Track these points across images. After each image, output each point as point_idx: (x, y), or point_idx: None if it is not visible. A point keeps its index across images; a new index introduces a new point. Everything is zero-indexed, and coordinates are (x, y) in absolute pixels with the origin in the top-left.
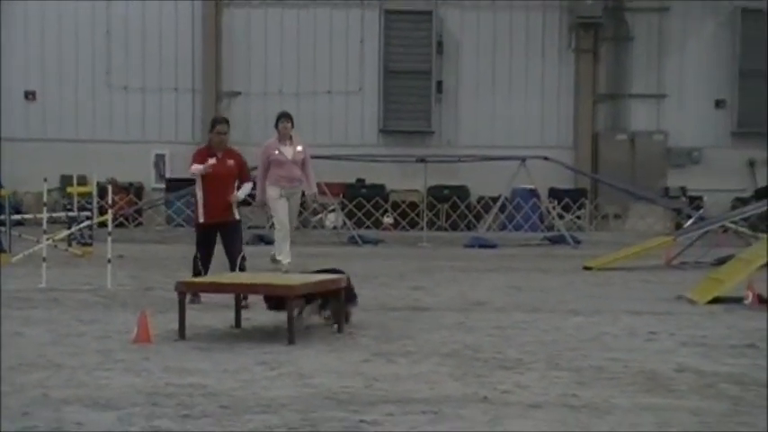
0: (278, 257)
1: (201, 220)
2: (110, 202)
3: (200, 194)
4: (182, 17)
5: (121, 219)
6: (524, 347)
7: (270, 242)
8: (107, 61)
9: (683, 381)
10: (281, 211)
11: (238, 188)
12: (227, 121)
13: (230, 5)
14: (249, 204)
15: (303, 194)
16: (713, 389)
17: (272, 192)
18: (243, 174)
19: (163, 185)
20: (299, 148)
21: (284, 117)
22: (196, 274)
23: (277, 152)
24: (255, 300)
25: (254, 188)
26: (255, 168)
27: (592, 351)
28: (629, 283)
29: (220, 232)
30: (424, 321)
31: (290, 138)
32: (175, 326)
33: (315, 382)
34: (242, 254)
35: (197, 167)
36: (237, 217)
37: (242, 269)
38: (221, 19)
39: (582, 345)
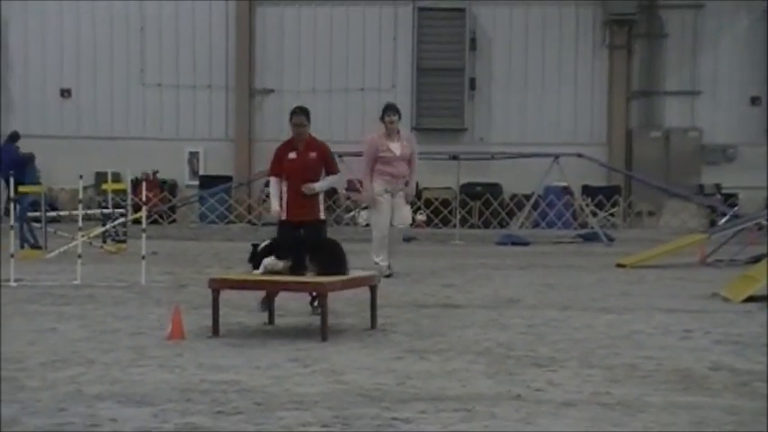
0: (375, 259)
1: (284, 217)
2: (143, 199)
3: (284, 190)
4: (215, 14)
5: (155, 216)
6: (557, 345)
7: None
8: (141, 59)
9: (717, 379)
10: (384, 212)
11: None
12: (303, 111)
13: (263, 3)
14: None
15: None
16: (747, 387)
17: (377, 189)
18: (329, 166)
19: (196, 182)
20: (406, 142)
21: (390, 110)
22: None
23: (385, 148)
24: (288, 297)
25: (360, 184)
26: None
27: (625, 349)
28: (663, 281)
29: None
30: (456, 319)
31: (398, 132)
32: (209, 322)
33: (347, 378)
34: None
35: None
36: (322, 216)
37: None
38: (254, 16)
39: (615, 342)
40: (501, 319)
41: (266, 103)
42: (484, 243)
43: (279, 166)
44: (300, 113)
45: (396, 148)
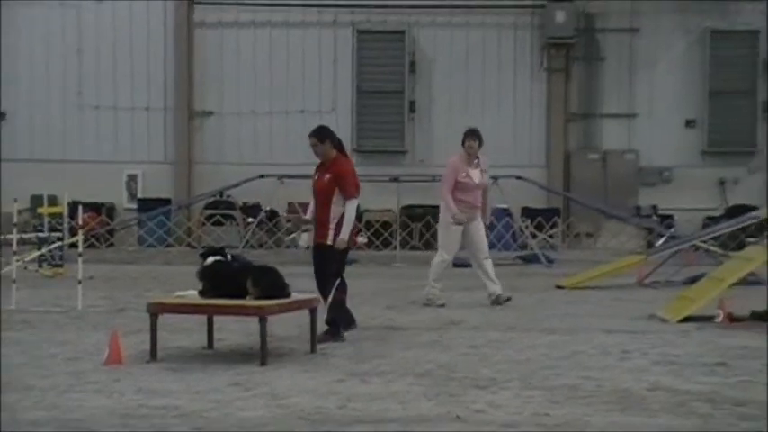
0: (432, 283)
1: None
2: (79, 222)
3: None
4: (153, 36)
5: (92, 240)
6: (498, 366)
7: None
8: (78, 81)
9: (655, 399)
10: (453, 237)
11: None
12: (315, 133)
13: (203, 25)
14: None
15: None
16: (685, 407)
17: (450, 216)
18: (342, 188)
19: (135, 206)
20: (484, 170)
21: (471, 135)
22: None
23: (464, 175)
24: (226, 320)
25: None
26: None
27: (565, 370)
28: (602, 302)
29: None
30: (398, 341)
31: (477, 158)
32: (147, 347)
33: (288, 402)
34: (337, 284)
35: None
36: (328, 241)
37: (332, 303)
38: (193, 38)
39: (555, 363)
40: (443, 340)
41: (206, 126)
42: (425, 265)
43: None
44: (312, 134)
45: (476, 176)
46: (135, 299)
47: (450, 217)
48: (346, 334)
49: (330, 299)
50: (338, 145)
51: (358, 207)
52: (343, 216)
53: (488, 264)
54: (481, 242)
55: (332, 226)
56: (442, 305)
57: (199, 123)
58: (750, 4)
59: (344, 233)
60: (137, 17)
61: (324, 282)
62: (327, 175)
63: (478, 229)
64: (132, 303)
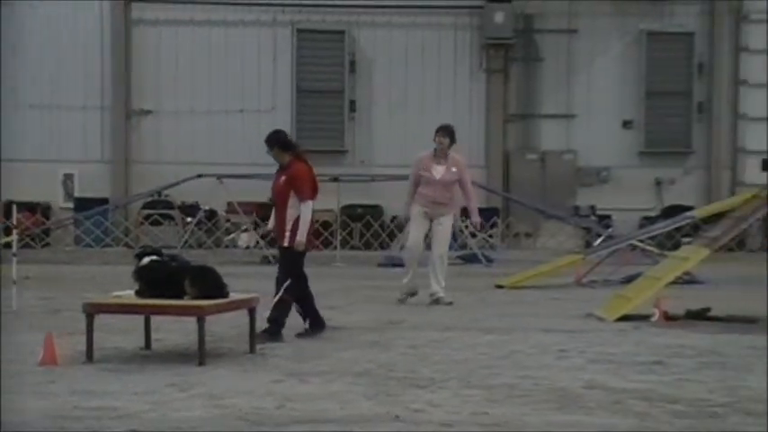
0: (404, 280)
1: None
2: (14, 222)
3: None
4: (90, 35)
5: (28, 239)
6: (437, 366)
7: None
8: (14, 79)
9: (591, 397)
10: (415, 231)
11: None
12: (266, 138)
13: (140, 23)
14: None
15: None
16: (621, 405)
17: (414, 209)
18: (297, 191)
19: (72, 205)
20: (454, 168)
21: (441, 131)
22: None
23: (425, 169)
24: (164, 320)
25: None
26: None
27: (504, 369)
28: (541, 301)
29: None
30: (337, 341)
31: (446, 155)
32: (84, 348)
33: (226, 402)
34: (286, 285)
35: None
36: (285, 243)
37: (277, 303)
38: (131, 36)
39: (494, 363)
40: (382, 340)
41: (144, 125)
42: (365, 265)
43: None
44: (264, 140)
45: (438, 171)
46: (71, 299)
47: (412, 210)
48: (307, 337)
49: (276, 298)
50: (291, 148)
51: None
52: (299, 218)
53: (439, 263)
54: (439, 239)
55: (288, 228)
56: (411, 294)
57: (136, 122)
58: (684, 6)
59: (301, 234)
60: (73, 15)
61: (278, 282)
62: (283, 178)
63: (441, 225)
64: (68, 304)
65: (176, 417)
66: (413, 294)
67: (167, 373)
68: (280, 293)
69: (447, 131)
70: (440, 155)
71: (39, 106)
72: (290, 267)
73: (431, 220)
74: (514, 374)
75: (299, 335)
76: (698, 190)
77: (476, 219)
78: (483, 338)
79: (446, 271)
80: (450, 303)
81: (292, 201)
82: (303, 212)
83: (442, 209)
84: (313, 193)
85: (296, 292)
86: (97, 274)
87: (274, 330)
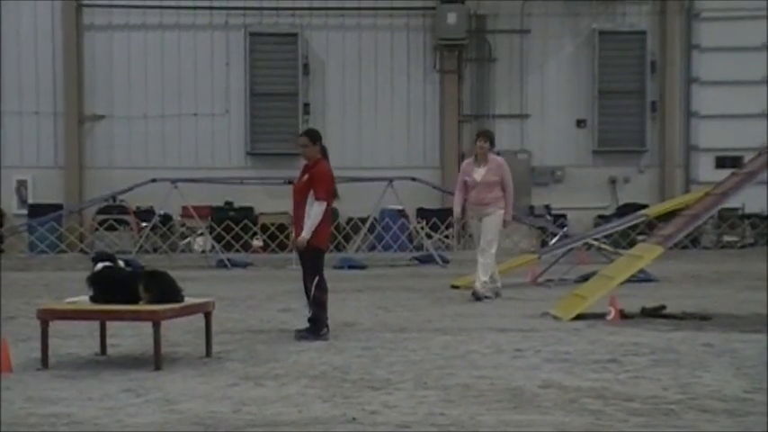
0: (481, 277)
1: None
2: None
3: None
4: (41, 38)
5: None
6: (392, 367)
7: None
8: None
9: (547, 397)
10: (475, 236)
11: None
12: (307, 133)
13: (92, 28)
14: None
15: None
16: (576, 404)
17: (468, 215)
18: (314, 189)
19: (25, 211)
20: (495, 170)
21: (481, 136)
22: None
23: (467, 174)
24: (120, 325)
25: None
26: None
27: (459, 369)
28: (496, 301)
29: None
30: (292, 344)
31: (486, 159)
32: (38, 354)
33: (181, 407)
34: (315, 283)
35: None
36: (299, 239)
37: (313, 302)
38: (82, 41)
39: (449, 363)
40: (337, 342)
41: (97, 130)
42: None
43: None
44: (303, 134)
45: (478, 174)
46: (25, 306)
47: (458, 214)
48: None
49: (311, 297)
50: (323, 150)
51: (335, 211)
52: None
53: (481, 258)
54: (484, 234)
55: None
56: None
57: (89, 127)
58: (637, 5)
59: (306, 231)
60: (24, 19)
61: (305, 281)
62: (306, 176)
63: (486, 223)
64: (22, 310)
65: (132, 422)
66: (498, 295)
67: (123, 379)
68: (312, 293)
69: (486, 136)
70: (481, 159)
71: None
72: (312, 265)
73: (479, 221)
74: (470, 375)
75: (299, 332)
76: (652, 188)
77: (509, 217)
78: (438, 339)
79: (491, 266)
80: (488, 298)
81: (311, 199)
82: (314, 210)
83: (487, 208)
84: (328, 195)
85: (324, 288)
86: (51, 280)
87: (314, 329)
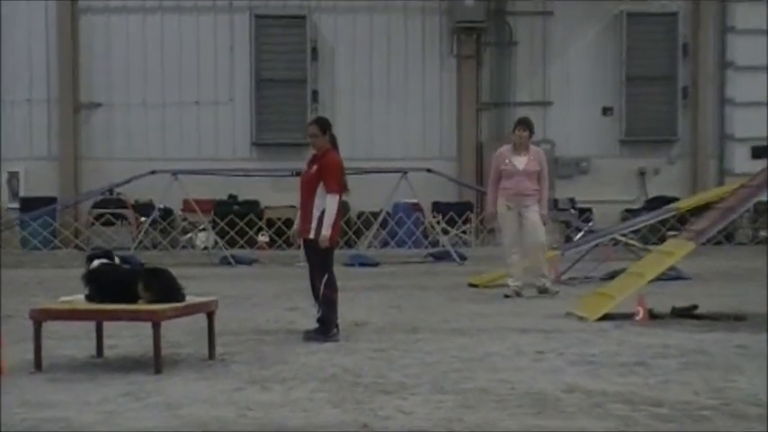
0: (508, 281)
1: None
2: None
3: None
4: (34, 22)
5: None
6: (407, 370)
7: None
8: None
9: (571, 401)
10: (507, 228)
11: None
12: (316, 122)
13: (88, 12)
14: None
15: None
16: (602, 409)
17: (500, 206)
18: (325, 181)
19: (17, 205)
20: (535, 159)
21: (520, 124)
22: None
23: (507, 161)
24: (118, 326)
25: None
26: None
27: (477, 372)
28: (516, 300)
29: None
30: (300, 345)
31: (527, 147)
32: (32, 356)
33: (184, 412)
34: (324, 281)
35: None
36: (311, 235)
37: (323, 301)
38: (77, 25)
39: (467, 366)
40: (347, 343)
41: (93, 118)
42: None
43: None
44: (313, 123)
45: (520, 162)
46: (20, 305)
47: (498, 208)
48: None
49: (320, 296)
50: (333, 140)
51: (345, 205)
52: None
53: (542, 255)
54: (531, 232)
55: (314, 220)
56: (517, 294)
57: (85, 116)
58: None
59: (325, 228)
60: (17, 3)
61: (312, 278)
62: (315, 167)
63: (528, 219)
64: (16, 310)
65: (131, 427)
66: (519, 294)
67: (121, 382)
68: (321, 291)
69: (526, 124)
70: (520, 148)
71: None
72: (321, 262)
73: (518, 214)
74: (489, 378)
75: (308, 333)
76: (683, 180)
77: (545, 211)
78: (455, 340)
79: (546, 261)
80: (557, 293)
81: (320, 192)
82: (329, 205)
83: (527, 200)
84: (340, 187)
85: (334, 287)
86: (46, 278)
87: (324, 330)
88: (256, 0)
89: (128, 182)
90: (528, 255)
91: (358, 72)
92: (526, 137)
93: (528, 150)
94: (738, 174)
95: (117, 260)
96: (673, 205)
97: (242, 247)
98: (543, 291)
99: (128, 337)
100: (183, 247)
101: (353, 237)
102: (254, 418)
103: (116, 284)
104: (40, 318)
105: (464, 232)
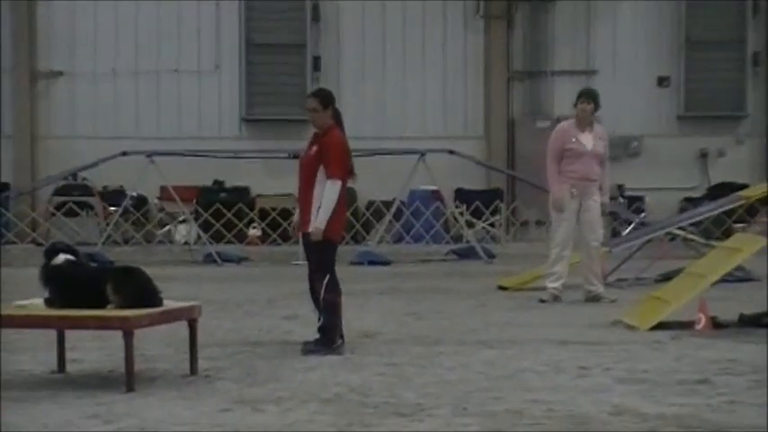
0: (546, 282)
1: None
2: None
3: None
4: None
5: None
6: (424, 389)
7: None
8: None
9: (620, 425)
10: (565, 220)
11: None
12: (316, 94)
13: None
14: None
15: None
16: None
17: (562, 192)
18: (325, 164)
19: None
20: (602, 140)
21: (583, 96)
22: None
23: (574, 140)
24: (83, 335)
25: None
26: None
27: (508, 392)
28: (554, 306)
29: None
30: (298, 359)
31: (591, 123)
32: None
33: None
34: (325, 283)
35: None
36: (312, 229)
37: (324, 306)
38: None
39: (496, 384)
40: (354, 357)
41: (54, 90)
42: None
43: None
44: (312, 96)
45: (588, 141)
46: None
47: (561, 196)
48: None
49: (321, 300)
50: (336, 116)
51: (352, 192)
52: None
53: (595, 254)
54: (592, 227)
55: (315, 211)
56: (555, 298)
57: (44, 87)
58: None
59: (320, 220)
60: None
61: (312, 280)
62: (315, 148)
63: (590, 211)
64: None
65: None
66: (557, 299)
67: (87, 402)
68: (321, 295)
69: (591, 95)
70: (584, 123)
71: None
72: (321, 260)
73: (579, 204)
74: (521, 398)
75: (306, 345)
76: (752, 164)
77: (606, 199)
78: (481, 354)
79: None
80: (614, 301)
81: (321, 177)
82: (327, 192)
83: (593, 187)
84: (343, 172)
85: (338, 290)
86: (7, 277)
87: (326, 340)
88: None
89: (94, 165)
90: (582, 254)
91: (367, 36)
92: (590, 110)
93: (593, 127)
94: None
95: (82, 257)
96: (740, 193)
97: (230, 242)
98: (595, 298)
99: (94, 349)
100: (161, 242)
101: (362, 231)
102: None
103: (81, 286)
104: None
105: (492, 225)
